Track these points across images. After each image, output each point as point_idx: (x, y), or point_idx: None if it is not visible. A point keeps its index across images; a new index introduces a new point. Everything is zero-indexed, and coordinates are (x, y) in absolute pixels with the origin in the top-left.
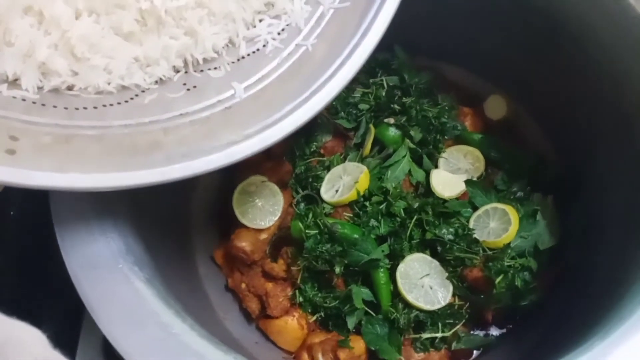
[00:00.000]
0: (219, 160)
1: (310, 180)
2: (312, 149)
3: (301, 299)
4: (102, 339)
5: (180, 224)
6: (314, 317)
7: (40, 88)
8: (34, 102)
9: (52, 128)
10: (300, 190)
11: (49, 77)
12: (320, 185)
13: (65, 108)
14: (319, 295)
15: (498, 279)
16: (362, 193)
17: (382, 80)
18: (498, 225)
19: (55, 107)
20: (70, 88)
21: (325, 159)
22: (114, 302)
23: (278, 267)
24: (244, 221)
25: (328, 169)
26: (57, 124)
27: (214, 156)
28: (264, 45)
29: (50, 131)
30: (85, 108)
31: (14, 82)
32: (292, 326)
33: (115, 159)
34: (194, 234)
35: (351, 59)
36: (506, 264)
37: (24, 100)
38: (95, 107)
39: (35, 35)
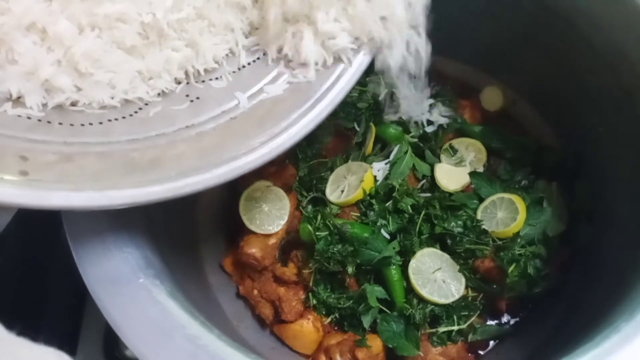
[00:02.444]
0: (229, 173)
1: (315, 182)
2: (314, 151)
3: (314, 302)
4: (102, 338)
5: (188, 234)
6: (329, 319)
7: (44, 105)
8: (39, 120)
9: (60, 146)
10: (305, 193)
11: (53, 93)
12: (325, 187)
13: (71, 125)
14: (333, 296)
15: (510, 268)
16: (368, 192)
17: (379, 77)
18: (506, 214)
19: (60, 124)
20: (74, 104)
21: (328, 159)
22: (139, 318)
23: (289, 271)
24: (252, 227)
25: (331, 169)
26: (64, 142)
27: (224, 168)
28: (264, 54)
29: (58, 149)
30: (90, 124)
31: (18, 100)
32: (307, 329)
33: (128, 175)
34: (202, 243)
35: (352, 64)
36: (517, 252)
37: (29, 118)
38: (100, 123)
39: (38, 53)
